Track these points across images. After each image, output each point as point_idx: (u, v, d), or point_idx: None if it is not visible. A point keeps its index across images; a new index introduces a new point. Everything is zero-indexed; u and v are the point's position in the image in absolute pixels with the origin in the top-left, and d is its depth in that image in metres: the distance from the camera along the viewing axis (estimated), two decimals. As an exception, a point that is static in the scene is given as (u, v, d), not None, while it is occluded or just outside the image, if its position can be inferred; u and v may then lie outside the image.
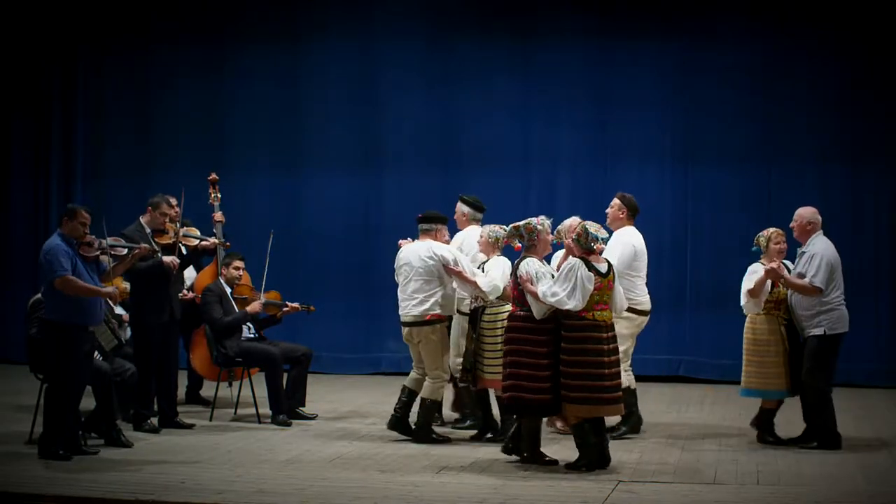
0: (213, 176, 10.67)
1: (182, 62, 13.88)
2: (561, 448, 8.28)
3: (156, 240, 9.34)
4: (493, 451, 8.40)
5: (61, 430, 7.97)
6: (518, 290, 7.91)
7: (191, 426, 9.38)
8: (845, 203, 12.43)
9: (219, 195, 10.61)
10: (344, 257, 13.36)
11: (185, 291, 9.94)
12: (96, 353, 8.67)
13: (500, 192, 12.99)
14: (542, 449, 8.02)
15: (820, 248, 8.68)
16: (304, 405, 9.96)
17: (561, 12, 13.06)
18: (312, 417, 9.89)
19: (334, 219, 13.53)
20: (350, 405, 10.86)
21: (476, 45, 13.23)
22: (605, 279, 7.77)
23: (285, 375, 9.79)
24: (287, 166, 13.65)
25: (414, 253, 8.79)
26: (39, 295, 8.51)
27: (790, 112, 12.56)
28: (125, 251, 8.51)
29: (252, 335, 9.95)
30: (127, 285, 9.65)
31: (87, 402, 8.62)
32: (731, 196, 12.57)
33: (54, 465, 7.78)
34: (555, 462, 7.92)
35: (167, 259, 9.20)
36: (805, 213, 8.87)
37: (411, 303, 8.75)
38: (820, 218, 8.85)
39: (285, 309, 10.13)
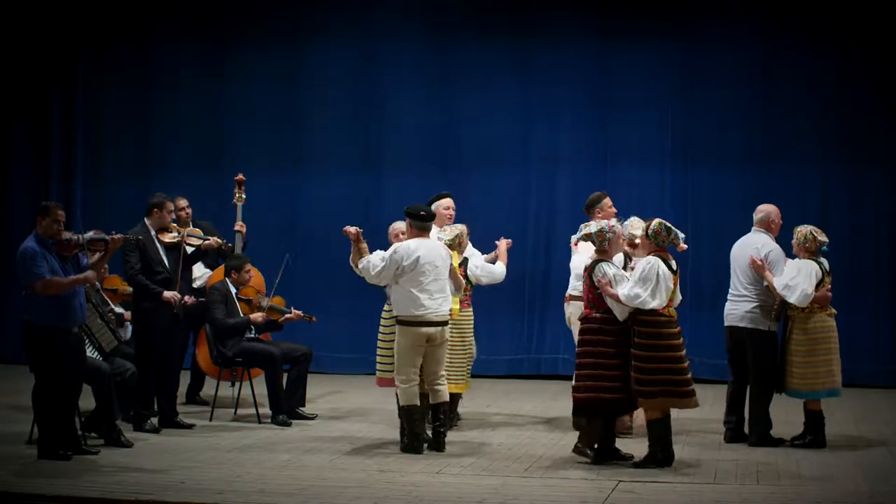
0: (240, 176, 10.70)
1: (182, 62, 13.89)
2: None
3: (160, 238, 9.34)
4: (493, 452, 8.42)
5: (54, 430, 7.95)
6: (593, 293, 7.94)
7: (191, 426, 9.38)
8: (845, 203, 12.44)
9: (243, 195, 10.62)
10: (344, 257, 13.27)
11: (188, 298, 9.81)
12: (96, 353, 8.67)
13: (500, 192, 13.02)
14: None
15: None
16: (304, 405, 9.97)
17: (561, 12, 13.06)
18: (312, 417, 9.90)
19: (334, 219, 13.48)
20: (350, 405, 10.86)
21: (476, 45, 13.24)
22: (676, 276, 7.90)
23: (285, 375, 9.79)
24: (287, 166, 13.65)
25: (435, 252, 8.50)
26: None
27: (790, 112, 12.57)
28: (104, 244, 8.38)
29: (253, 335, 9.94)
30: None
31: (87, 402, 8.63)
32: (731, 196, 12.57)
33: (54, 465, 7.78)
34: (631, 457, 7.93)
35: (168, 294, 9.21)
36: None
37: (440, 302, 8.45)
38: (753, 216, 9.02)
39: (288, 315, 10.11)
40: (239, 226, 10.51)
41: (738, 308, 8.81)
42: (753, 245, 8.81)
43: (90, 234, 8.22)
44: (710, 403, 10.96)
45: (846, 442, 8.84)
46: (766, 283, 8.72)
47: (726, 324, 8.92)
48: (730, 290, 8.94)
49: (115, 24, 14.05)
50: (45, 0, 14.08)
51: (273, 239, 13.31)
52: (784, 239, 8.98)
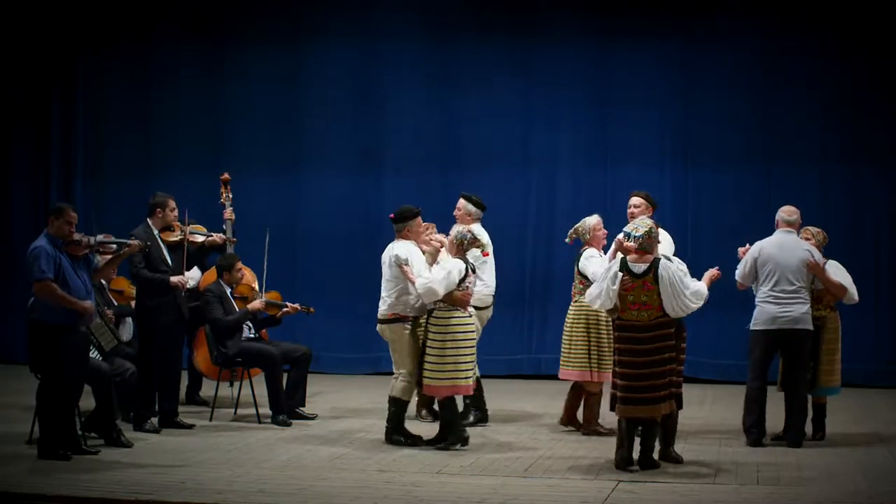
0: (226, 175, 10.72)
1: (182, 62, 13.89)
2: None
3: (162, 237, 9.36)
4: (493, 452, 8.41)
5: (56, 429, 7.95)
6: None
7: (191, 426, 9.38)
8: (845, 203, 12.45)
9: (230, 195, 10.64)
10: (344, 257, 13.36)
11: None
12: (96, 353, 8.67)
13: (500, 192, 13.00)
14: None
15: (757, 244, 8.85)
16: (304, 405, 9.97)
17: (561, 12, 13.07)
18: (312, 417, 9.90)
19: (334, 219, 13.52)
20: (350, 405, 10.87)
21: (476, 45, 13.24)
22: (639, 280, 7.64)
23: (285, 375, 9.79)
24: (287, 166, 13.65)
25: (386, 254, 8.91)
26: None
27: (790, 112, 12.58)
28: (115, 247, 8.47)
29: (252, 335, 9.95)
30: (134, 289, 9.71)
31: (88, 402, 8.63)
32: (731, 196, 12.57)
33: (54, 465, 7.78)
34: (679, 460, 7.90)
35: (175, 279, 9.26)
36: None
37: (381, 302, 8.87)
38: (784, 216, 8.85)
39: (285, 309, 10.13)
40: (228, 213, 10.51)
41: (792, 310, 8.57)
42: (802, 247, 8.69)
43: (100, 236, 8.37)
44: (711, 403, 10.98)
45: (846, 442, 8.84)
46: (815, 286, 8.68)
47: (775, 326, 8.61)
48: (770, 292, 8.62)
49: (115, 24, 14.05)
50: (45, 1, 14.09)
51: (272, 239, 13.32)
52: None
